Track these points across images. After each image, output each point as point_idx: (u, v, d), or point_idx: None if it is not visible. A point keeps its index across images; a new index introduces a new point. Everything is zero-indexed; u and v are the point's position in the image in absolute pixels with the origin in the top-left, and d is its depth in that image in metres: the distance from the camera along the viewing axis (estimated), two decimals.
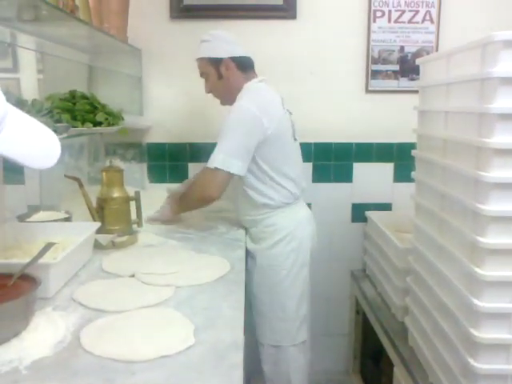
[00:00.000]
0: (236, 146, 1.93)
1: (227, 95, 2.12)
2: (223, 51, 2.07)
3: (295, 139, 2.17)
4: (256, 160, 2.00)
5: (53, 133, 0.58)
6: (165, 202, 2.22)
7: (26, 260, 1.30)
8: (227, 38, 2.10)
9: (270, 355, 2.17)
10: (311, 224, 2.22)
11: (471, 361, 1.29)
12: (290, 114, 2.17)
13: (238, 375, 1.00)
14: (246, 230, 2.20)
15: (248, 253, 2.15)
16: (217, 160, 1.91)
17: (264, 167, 2.03)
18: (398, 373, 1.84)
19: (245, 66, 2.11)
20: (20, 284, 1.22)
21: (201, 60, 2.11)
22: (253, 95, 2.01)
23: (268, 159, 2.02)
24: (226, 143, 1.93)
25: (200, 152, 2.68)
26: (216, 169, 1.92)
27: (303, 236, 2.15)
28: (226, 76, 2.08)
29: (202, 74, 2.14)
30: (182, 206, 2.15)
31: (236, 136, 1.93)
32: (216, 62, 2.07)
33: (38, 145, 0.56)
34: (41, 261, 1.31)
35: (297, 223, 2.14)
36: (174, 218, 2.19)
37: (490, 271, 1.24)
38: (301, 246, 2.13)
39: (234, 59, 2.07)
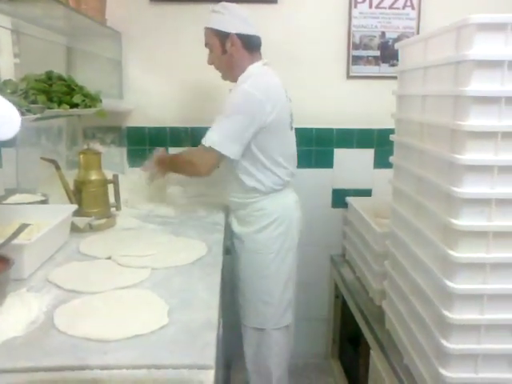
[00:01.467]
0: (234, 130, 1.92)
1: (228, 71, 2.09)
2: (231, 26, 2.01)
3: (292, 128, 2.16)
4: (250, 146, 1.99)
5: (11, 105, 0.56)
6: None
7: (0, 241, 1.29)
8: (238, 13, 2.04)
9: (252, 338, 2.18)
10: (298, 209, 2.23)
11: (444, 342, 1.31)
12: (290, 101, 2.16)
13: (211, 354, 1.01)
14: (233, 212, 2.20)
15: (235, 236, 2.16)
16: (213, 140, 1.91)
17: (258, 154, 2.02)
18: (375, 355, 1.86)
19: (251, 45, 2.06)
20: None
21: (208, 30, 2.06)
22: (258, 80, 1.98)
23: (263, 146, 2.01)
24: (225, 125, 1.92)
25: (180, 136, 2.66)
26: (210, 148, 1.91)
27: (291, 221, 2.15)
28: (229, 52, 2.03)
29: (207, 45, 2.09)
30: (170, 168, 2.18)
31: (237, 120, 1.92)
32: (222, 36, 2.02)
33: None
34: (15, 241, 1.30)
35: (285, 208, 2.14)
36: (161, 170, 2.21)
37: (462, 253, 1.26)
38: (288, 231, 2.14)
39: (240, 36, 2.02)
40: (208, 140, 1.92)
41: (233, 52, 2.03)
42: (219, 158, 1.95)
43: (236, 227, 2.17)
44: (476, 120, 1.21)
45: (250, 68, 2.04)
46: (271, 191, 2.10)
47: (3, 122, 0.55)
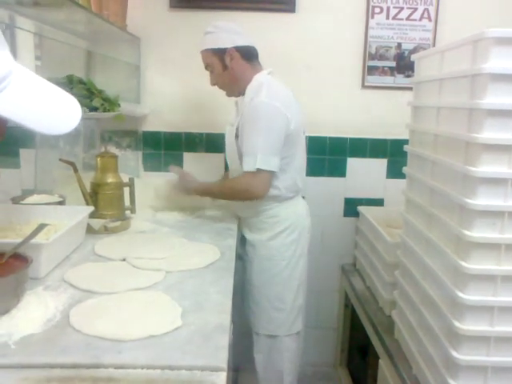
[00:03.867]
0: (270, 144, 1.93)
1: (233, 86, 2.11)
2: (227, 41, 2.04)
3: (303, 132, 2.19)
4: None
5: (72, 97, 0.56)
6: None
7: (19, 240, 1.32)
8: (231, 27, 2.07)
9: (264, 345, 2.20)
10: (308, 216, 2.25)
11: (453, 352, 1.31)
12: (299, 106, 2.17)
13: (223, 356, 1.03)
14: (244, 220, 2.22)
15: (248, 243, 2.18)
16: (257, 162, 1.90)
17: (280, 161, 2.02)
18: (383, 365, 1.86)
19: (249, 55, 2.08)
20: (12, 263, 1.24)
21: (205, 52, 2.08)
22: (271, 90, 1.99)
23: (284, 153, 2.01)
24: (259, 142, 1.92)
25: (195, 142, 2.69)
26: (258, 170, 1.91)
27: (303, 227, 2.18)
28: (230, 66, 2.05)
29: (207, 67, 2.11)
30: (212, 196, 2.20)
31: (267, 133, 1.92)
32: (220, 53, 2.04)
33: (51, 109, 0.53)
34: (33, 241, 1.33)
35: (297, 215, 2.17)
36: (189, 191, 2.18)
37: (474, 264, 1.26)
38: (300, 238, 2.16)
39: (237, 49, 2.04)
40: (251, 164, 1.92)
41: (233, 65, 2.05)
42: (269, 175, 1.96)
43: (249, 234, 2.19)
44: (491, 133, 1.22)
45: (256, 77, 2.06)
46: (286, 198, 2.12)
47: (63, 118, 0.55)
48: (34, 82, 0.51)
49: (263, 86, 2.00)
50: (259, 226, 2.16)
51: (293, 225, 2.14)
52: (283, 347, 2.19)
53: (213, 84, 2.14)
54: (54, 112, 0.54)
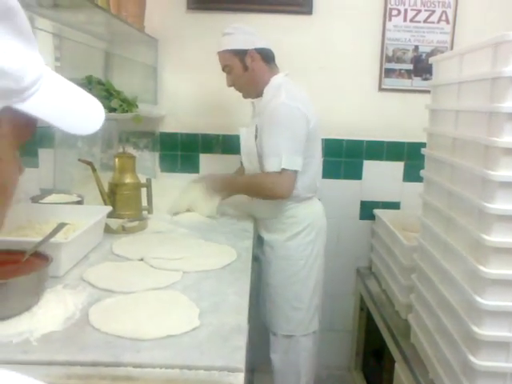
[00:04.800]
0: (293, 143, 1.95)
1: (252, 87, 2.13)
2: (248, 42, 2.06)
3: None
4: None
5: (95, 99, 0.58)
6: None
7: (39, 239, 1.33)
8: (250, 30, 2.09)
9: (281, 345, 2.21)
10: (324, 216, 2.27)
11: (472, 358, 1.30)
12: None
13: (241, 357, 1.03)
14: (261, 220, 2.23)
15: (266, 243, 2.20)
16: (281, 162, 1.93)
17: None
18: (399, 369, 1.85)
19: (268, 57, 2.11)
20: (32, 261, 1.25)
21: (225, 53, 2.09)
22: (290, 91, 2.01)
23: (304, 153, 2.03)
24: (282, 143, 1.94)
25: (212, 143, 2.71)
26: (283, 170, 1.94)
27: (320, 227, 2.21)
28: (251, 67, 2.07)
29: (225, 68, 2.12)
30: (237, 192, 2.18)
31: (290, 133, 1.95)
32: (241, 54, 2.06)
33: (79, 110, 0.55)
34: (53, 240, 1.35)
35: (315, 215, 2.19)
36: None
37: (493, 269, 1.25)
38: (317, 238, 2.19)
39: (258, 50, 2.07)
40: (276, 165, 1.94)
41: (254, 67, 2.07)
42: (294, 175, 1.98)
43: (266, 235, 2.21)
44: (510, 137, 1.21)
45: (273, 79, 2.08)
46: (304, 199, 2.14)
47: (91, 114, 0.56)
48: (61, 84, 0.53)
49: (281, 87, 2.02)
50: (277, 226, 2.17)
51: (311, 225, 2.16)
52: (300, 347, 2.20)
53: (230, 85, 2.15)
54: (82, 113, 0.56)
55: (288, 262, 2.15)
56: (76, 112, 0.55)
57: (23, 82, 0.46)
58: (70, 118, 0.53)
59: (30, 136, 0.53)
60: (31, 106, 0.47)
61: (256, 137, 2.07)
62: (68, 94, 0.54)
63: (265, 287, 2.22)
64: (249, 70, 2.08)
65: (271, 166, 1.95)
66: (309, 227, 2.15)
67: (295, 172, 1.97)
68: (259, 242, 2.23)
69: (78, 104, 0.55)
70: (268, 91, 2.06)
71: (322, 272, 2.25)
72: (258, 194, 2.10)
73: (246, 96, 2.20)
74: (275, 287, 2.18)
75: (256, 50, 2.06)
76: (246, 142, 2.14)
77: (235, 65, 2.08)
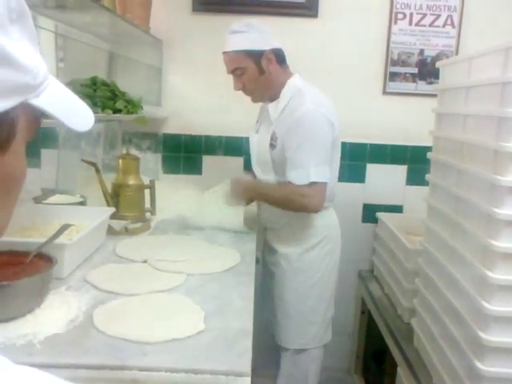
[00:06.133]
0: (320, 154, 1.83)
1: (267, 91, 1.96)
2: (264, 43, 1.87)
3: None
4: None
5: (82, 101, 0.62)
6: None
7: (42, 240, 1.33)
8: (264, 28, 1.89)
9: (291, 358, 2.09)
10: (339, 225, 2.16)
11: (478, 364, 1.29)
12: None
13: (247, 361, 1.02)
14: (274, 231, 2.12)
15: (280, 255, 2.07)
16: (311, 174, 1.80)
17: None
18: (402, 373, 1.84)
19: (282, 58, 1.94)
20: (36, 262, 1.25)
21: (235, 54, 1.88)
22: (314, 96, 1.88)
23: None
24: (310, 154, 1.81)
25: (215, 145, 2.70)
26: (313, 183, 1.81)
27: (336, 238, 2.11)
28: (268, 70, 1.89)
29: (236, 70, 1.91)
30: (264, 201, 2.05)
31: (317, 143, 1.82)
32: (256, 55, 1.86)
33: (75, 108, 0.59)
34: (56, 241, 1.34)
35: (331, 225, 2.09)
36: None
37: (501, 275, 1.24)
38: (334, 248, 2.09)
39: (275, 51, 1.89)
40: (304, 177, 1.81)
41: (271, 70, 1.90)
42: (325, 187, 1.85)
43: (280, 247, 2.08)
44: None
45: (291, 82, 1.93)
46: (322, 208, 1.95)
47: (83, 118, 0.60)
48: (58, 85, 0.56)
49: (302, 91, 1.88)
50: (293, 237, 2.04)
51: (328, 236, 2.05)
52: (310, 359, 2.10)
53: (239, 89, 1.96)
54: (79, 111, 0.60)
55: (304, 276, 2.02)
56: (75, 110, 0.58)
57: (39, 77, 0.49)
58: (71, 115, 0.56)
59: (35, 135, 0.55)
60: (43, 102, 0.50)
61: (272, 145, 1.93)
62: (66, 93, 0.58)
63: (278, 301, 2.08)
64: (265, 74, 1.90)
65: (298, 179, 1.82)
66: (326, 238, 2.04)
67: (325, 184, 1.84)
68: (271, 253, 2.13)
69: (75, 103, 0.59)
70: (286, 95, 1.91)
71: (336, 283, 2.15)
72: (286, 206, 1.94)
73: (257, 100, 2.04)
74: (290, 301, 2.04)
75: (273, 50, 1.88)
76: (259, 151, 2.02)
77: (249, 67, 1.88)
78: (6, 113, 0.45)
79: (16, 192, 0.52)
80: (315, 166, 1.81)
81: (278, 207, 1.97)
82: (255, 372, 2.29)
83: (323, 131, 1.84)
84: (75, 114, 0.58)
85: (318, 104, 1.85)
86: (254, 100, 2.04)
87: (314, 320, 2.06)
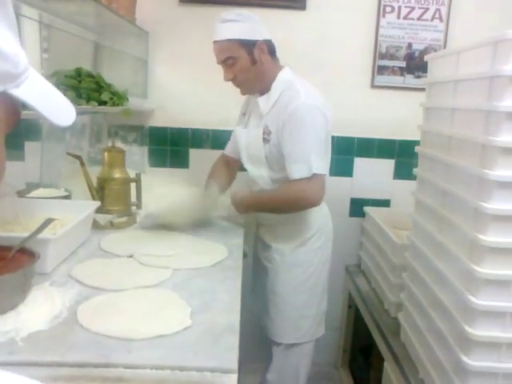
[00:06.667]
0: (318, 146, 1.82)
1: (257, 82, 1.93)
2: (257, 33, 1.86)
3: None
4: None
5: (64, 96, 0.60)
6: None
7: (26, 234, 1.30)
8: (256, 18, 1.88)
9: (282, 352, 2.10)
10: (331, 219, 2.17)
11: (464, 358, 1.29)
12: None
13: (234, 358, 1.01)
14: (267, 227, 2.12)
15: (273, 250, 2.08)
16: (311, 166, 1.79)
17: None
18: (388, 367, 1.85)
19: (273, 51, 1.94)
20: (19, 257, 1.22)
21: (228, 42, 1.85)
22: (307, 89, 1.87)
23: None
24: (309, 147, 1.80)
25: (201, 138, 2.68)
26: (314, 175, 1.80)
27: (328, 231, 2.12)
28: (260, 60, 1.87)
29: (228, 60, 1.87)
30: (264, 211, 2.03)
31: (315, 136, 1.81)
32: (249, 45, 1.84)
33: (57, 103, 0.57)
34: (40, 236, 1.31)
35: (324, 219, 2.10)
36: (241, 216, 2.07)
37: (488, 269, 1.24)
38: (327, 242, 2.11)
39: (266, 43, 1.88)
40: (305, 171, 1.79)
41: (263, 60, 1.88)
42: (324, 179, 1.85)
43: (274, 242, 2.08)
44: (508, 136, 1.20)
45: (282, 74, 1.92)
46: (322, 200, 1.96)
47: (65, 112, 0.58)
48: (40, 77, 0.55)
49: (294, 84, 1.87)
50: (287, 233, 2.05)
51: (320, 230, 2.06)
52: (303, 353, 2.11)
53: (230, 79, 1.93)
54: (59, 104, 0.58)
55: (298, 270, 2.03)
56: (55, 103, 0.57)
57: (19, 67, 0.48)
58: (52, 108, 0.55)
59: (15, 126, 0.54)
60: (23, 92, 0.49)
61: (265, 139, 1.91)
62: (47, 87, 0.57)
63: (271, 296, 2.08)
64: (257, 64, 1.88)
65: (299, 172, 1.80)
66: (318, 232, 2.05)
67: (324, 176, 1.84)
68: (264, 248, 2.13)
69: (56, 96, 0.58)
70: (277, 88, 1.89)
71: (328, 277, 2.16)
72: (290, 206, 1.92)
73: (246, 92, 2.02)
74: (283, 295, 2.05)
75: (265, 41, 1.88)
76: (250, 146, 1.99)
77: (241, 57, 1.85)
78: None
79: None
80: (315, 159, 1.79)
81: (280, 213, 1.98)
82: (244, 366, 2.31)
83: (319, 124, 1.83)
84: (57, 107, 0.57)
85: (314, 98, 1.84)
86: (243, 92, 2.01)
87: (307, 314, 2.08)
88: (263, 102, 1.93)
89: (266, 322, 2.12)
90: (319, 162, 1.81)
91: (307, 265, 2.04)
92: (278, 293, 2.06)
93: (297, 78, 1.93)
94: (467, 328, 1.28)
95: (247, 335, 2.16)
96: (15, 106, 0.51)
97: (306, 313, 2.07)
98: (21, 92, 0.49)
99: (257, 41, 1.86)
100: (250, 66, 1.88)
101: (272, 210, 2.00)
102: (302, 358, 2.13)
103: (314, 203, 1.88)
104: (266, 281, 2.11)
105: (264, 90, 1.94)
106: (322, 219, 2.08)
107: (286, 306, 2.05)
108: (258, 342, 2.20)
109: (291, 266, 2.04)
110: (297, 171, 1.81)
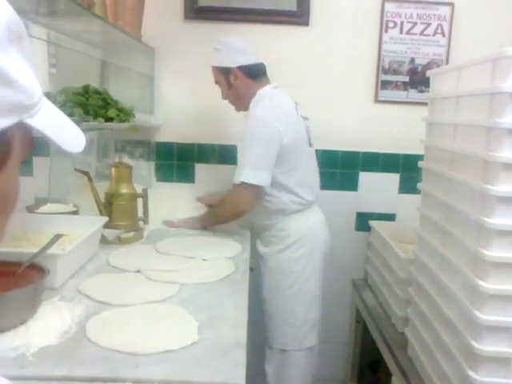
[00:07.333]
0: (258, 158, 1.94)
1: (239, 102, 2.15)
2: (231, 60, 2.06)
3: (311, 145, 2.18)
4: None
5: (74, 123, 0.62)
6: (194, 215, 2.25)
7: (35, 250, 1.32)
8: (237, 45, 2.08)
9: (275, 358, 2.19)
10: (324, 229, 2.24)
11: (471, 373, 1.29)
12: (306, 119, 2.17)
13: (241, 373, 1.02)
14: (257, 234, 2.23)
15: (260, 256, 2.19)
16: (243, 175, 1.93)
17: (279, 176, 2.03)
18: (396, 382, 1.84)
19: (255, 74, 2.09)
20: (28, 273, 1.24)
21: (213, 68, 2.12)
22: (267, 104, 2.00)
23: (283, 167, 2.02)
24: (248, 157, 1.94)
25: (207, 153, 2.70)
26: (243, 183, 1.93)
27: (315, 241, 2.16)
28: (235, 85, 2.08)
29: (217, 82, 2.14)
30: (212, 221, 2.15)
31: (257, 148, 1.94)
32: (225, 72, 2.08)
33: (68, 130, 0.60)
34: (49, 251, 1.33)
35: (308, 229, 2.15)
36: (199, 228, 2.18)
37: (492, 284, 1.25)
38: (312, 252, 2.15)
39: (242, 68, 2.06)
40: (238, 177, 1.94)
41: (238, 85, 2.08)
42: (255, 190, 1.97)
43: (260, 247, 2.20)
44: (509, 152, 1.21)
45: (259, 92, 2.07)
46: (293, 212, 2.11)
47: (75, 139, 0.60)
48: (51, 106, 0.57)
49: (263, 100, 2.01)
50: (270, 239, 2.16)
51: (302, 239, 2.12)
52: (293, 362, 2.18)
53: (224, 98, 2.18)
54: (71, 132, 0.60)
55: (279, 276, 2.14)
56: (67, 130, 0.60)
57: (34, 98, 0.50)
58: (63, 135, 0.57)
59: (29, 156, 0.56)
60: (37, 122, 0.51)
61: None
62: (59, 115, 0.59)
63: (261, 301, 2.20)
64: (233, 88, 2.09)
65: (234, 178, 1.96)
66: (300, 241, 2.12)
67: (255, 186, 1.95)
68: (254, 254, 2.21)
69: (67, 124, 0.60)
70: (252, 104, 2.05)
71: (319, 288, 2.22)
72: (225, 212, 2.08)
73: (237, 109, 2.21)
74: (269, 301, 2.18)
75: (240, 68, 2.06)
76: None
77: (221, 81, 2.11)
78: (3, 132, 0.46)
79: (8, 211, 0.53)
80: (249, 169, 1.93)
81: (224, 222, 2.14)
82: (250, 380, 2.31)
83: (266, 137, 1.96)
84: (68, 135, 0.59)
85: (267, 111, 1.97)
86: (236, 109, 2.22)
87: (293, 322, 2.15)
88: (245, 116, 2.10)
89: (260, 325, 2.21)
90: (253, 172, 1.93)
91: (288, 272, 2.13)
92: (265, 298, 2.19)
93: (275, 94, 2.06)
94: (473, 343, 1.28)
95: (257, 347, 2.19)
96: (29, 136, 0.53)
97: (291, 320, 2.15)
98: (35, 122, 0.51)
99: (230, 68, 2.06)
100: (227, 90, 2.12)
101: (220, 221, 2.15)
102: (293, 367, 2.19)
103: (242, 211, 2.02)
104: (258, 285, 2.21)
105: (248, 107, 2.08)
106: (303, 229, 2.14)
107: (272, 310, 2.17)
108: (257, 346, 2.23)
109: (273, 271, 2.15)
110: (234, 177, 1.98)
